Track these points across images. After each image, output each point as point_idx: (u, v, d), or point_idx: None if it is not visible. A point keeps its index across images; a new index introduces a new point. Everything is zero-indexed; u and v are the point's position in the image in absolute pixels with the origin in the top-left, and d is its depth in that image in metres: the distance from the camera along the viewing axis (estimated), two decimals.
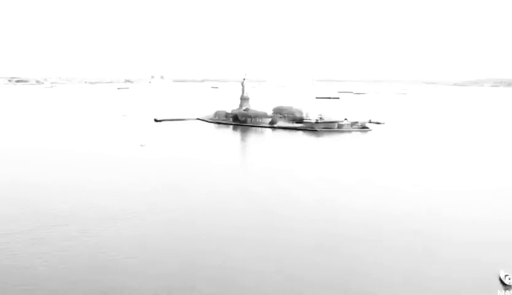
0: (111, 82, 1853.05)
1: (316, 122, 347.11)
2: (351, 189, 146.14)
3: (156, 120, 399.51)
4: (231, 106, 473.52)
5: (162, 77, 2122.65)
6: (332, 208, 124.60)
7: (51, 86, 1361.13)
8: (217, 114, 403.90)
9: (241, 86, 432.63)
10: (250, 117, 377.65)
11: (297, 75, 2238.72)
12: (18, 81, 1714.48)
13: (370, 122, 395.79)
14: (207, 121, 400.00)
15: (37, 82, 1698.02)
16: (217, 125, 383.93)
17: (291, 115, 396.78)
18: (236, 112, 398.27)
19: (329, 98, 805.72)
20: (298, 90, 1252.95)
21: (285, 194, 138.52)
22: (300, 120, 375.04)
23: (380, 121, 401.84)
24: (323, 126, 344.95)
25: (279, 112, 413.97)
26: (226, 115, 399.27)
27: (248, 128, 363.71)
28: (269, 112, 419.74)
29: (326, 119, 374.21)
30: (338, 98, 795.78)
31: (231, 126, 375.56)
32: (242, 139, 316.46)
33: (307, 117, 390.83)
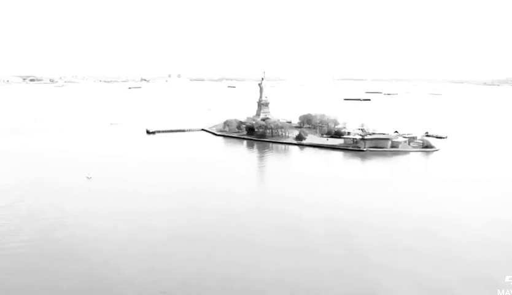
0: (126, 81, 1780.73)
1: (362, 139, 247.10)
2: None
3: (148, 132, 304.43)
4: (247, 111, 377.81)
5: (179, 76, 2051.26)
6: None
7: (62, 85, 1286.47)
8: (227, 123, 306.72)
9: (259, 88, 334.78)
10: (270, 128, 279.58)
11: (317, 74, 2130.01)
12: (31, 80, 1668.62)
13: (428, 135, 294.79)
14: (213, 133, 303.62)
15: (51, 80, 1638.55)
16: (226, 138, 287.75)
17: (323, 127, 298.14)
18: (252, 121, 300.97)
19: (359, 99, 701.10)
20: (321, 90, 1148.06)
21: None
22: (337, 134, 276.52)
23: (440, 135, 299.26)
24: (370, 145, 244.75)
25: (308, 121, 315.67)
26: (239, 125, 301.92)
27: (267, 144, 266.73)
28: (295, 121, 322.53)
29: (370, 131, 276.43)
30: (369, 100, 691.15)
31: (245, 141, 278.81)
32: (259, 162, 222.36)
33: (344, 128, 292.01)
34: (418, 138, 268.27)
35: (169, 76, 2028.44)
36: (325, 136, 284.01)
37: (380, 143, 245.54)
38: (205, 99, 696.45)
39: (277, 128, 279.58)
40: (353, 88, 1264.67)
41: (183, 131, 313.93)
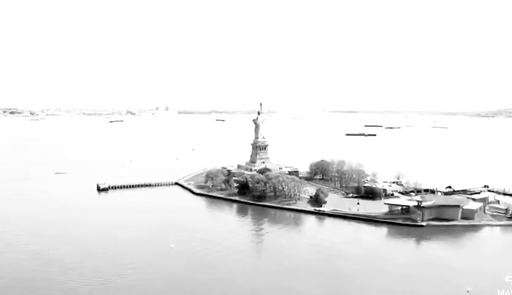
0: (112, 114, 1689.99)
1: (418, 206, 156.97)
2: None
3: (99, 189, 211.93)
4: (237, 155, 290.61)
5: (167, 108, 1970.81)
6: None
7: (40, 119, 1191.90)
8: (210, 175, 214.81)
9: (254, 126, 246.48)
10: (271, 184, 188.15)
11: (308, 106, 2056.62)
12: (11, 112, 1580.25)
13: (490, 190, 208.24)
14: (191, 191, 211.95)
15: (31, 113, 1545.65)
16: (208, 200, 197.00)
17: (346, 180, 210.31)
18: (245, 174, 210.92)
19: (363, 134, 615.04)
20: (315, 123, 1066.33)
21: None
22: (371, 193, 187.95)
23: (504, 190, 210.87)
24: (431, 215, 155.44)
25: (322, 171, 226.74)
26: (227, 179, 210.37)
27: (267, 210, 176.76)
28: (302, 169, 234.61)
29: (410, 186, 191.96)
30: (375, 135, 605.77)
31: (235, 204, 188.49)
32: (255, 245, 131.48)
33: (375, 182, 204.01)
34: (491, 200, 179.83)
35: (157, 109, 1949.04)
36: (351, 195, 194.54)
37: (447, 212, 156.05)
38: (190, 135, 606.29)
39: (281, 184, 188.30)
40: (348, 121, 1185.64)
41: (150, 186, 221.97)
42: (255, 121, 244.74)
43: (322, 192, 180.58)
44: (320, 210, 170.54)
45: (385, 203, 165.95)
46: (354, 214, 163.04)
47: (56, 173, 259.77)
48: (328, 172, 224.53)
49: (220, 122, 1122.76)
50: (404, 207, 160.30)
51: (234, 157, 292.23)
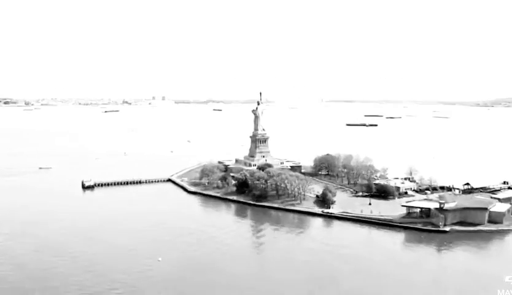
0: (108, 103, 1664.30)
1: (441, 208, 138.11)
2: None
3: (84, 186, 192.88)
4: (235, 148, 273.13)
5: (163, 98, 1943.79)
6: None
7: (34, 109, 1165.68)
8: (205, 171, 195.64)
9: (253, 117, 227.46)
10: (273, 181, 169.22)
11: (305, 95, 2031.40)
12: (6, 102, 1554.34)
13: (511, 187, 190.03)
14: (184, 189, 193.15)
15: (26, 103, 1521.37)
16: (203, 198, 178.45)
17: (354, 176, 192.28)
18: (244, 170, 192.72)
19: (364, 124, 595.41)
20: (313, 113, 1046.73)
21: None
22: (383, 192, 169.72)
23: None
24: (454, 218, 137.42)
25: (327, 166, 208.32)
26: (224, 175, 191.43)
27: (268, 211, 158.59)
28: (305, 163, 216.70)
29: (424, 182, 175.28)
30: (376, 125, 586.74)
31: (233, 204, 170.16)
32: (255, 253, 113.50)
33: (386, 178, 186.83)
34: None
35: (153, 98, 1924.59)
36: (361, 193, 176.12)
37: (472, 216, 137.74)
38: (186, 126, 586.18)
39: (283, 181, 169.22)
40: (347, 110, 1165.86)
41: (140, 183, 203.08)
42: (254, 112, 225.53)
43: (330, 191, 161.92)
44: (328, 212, 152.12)
45: (403, 205, 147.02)
46: (367, 217, 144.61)
47: (40, 168, 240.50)
48: (333, 167, 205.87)
49: (217, 112, 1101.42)
50: (423, 209, 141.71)
51: (231, 149, 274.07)
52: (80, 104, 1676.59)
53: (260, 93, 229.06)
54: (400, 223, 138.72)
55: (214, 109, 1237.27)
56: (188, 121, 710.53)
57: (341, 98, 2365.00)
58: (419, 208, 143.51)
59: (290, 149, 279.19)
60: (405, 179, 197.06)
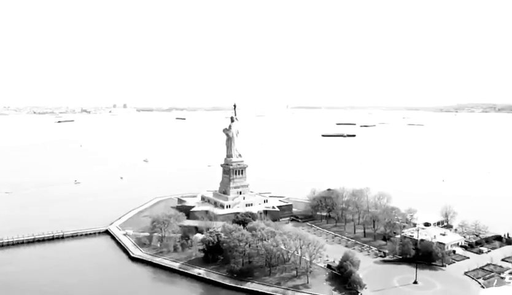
0: (65, 112, 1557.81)
1: None
2: None
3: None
4: (200, 173, 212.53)
5: (125, 106, 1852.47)
6: None
7: None
8: (157, 224, 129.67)
9: (225, 137, 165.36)
10: (262, 248, 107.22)
11: (271, 102, 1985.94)
12: None
13: None
14: (126, 250, 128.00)
15: None
16: (153, 270, 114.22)
17: (368, 221, 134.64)
18: (215, 211, 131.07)
19: (341, 135, 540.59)
20: (281, 121, 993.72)
21: None
22: (428, 253, 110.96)
23: None
24: None
25: (329, 205, 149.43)
26: (185, 232, 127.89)
27: None
28: (300, 199, 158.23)
29: (464, 227, 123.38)
30: (354, 136, 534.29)
31: (198, 283, 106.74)
32: None
33: (411, 224, 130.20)
34: None
35: (114, 106, 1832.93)
36: (391, 256, 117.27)
37: None
38: (145, 140, 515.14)
39: (282, 253, 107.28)
40: (315, 118, 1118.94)
41: (61, 239, 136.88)
42: (226, 131, 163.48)
43: (352, 262, 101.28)
44: None
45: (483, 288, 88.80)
46: None
47: None
48: (336, 207, 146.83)
49: (181, 121, 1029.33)
50: None
51: (196, 172, 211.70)
52: (34, 112, 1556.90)
53: (234, 106, 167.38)
54: None
55: (177, 118, 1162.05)
56: (148, 133, 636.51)
57: (306, 104, 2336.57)
58: None
59: (268, 169, 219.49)
60: (437, 224, 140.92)
